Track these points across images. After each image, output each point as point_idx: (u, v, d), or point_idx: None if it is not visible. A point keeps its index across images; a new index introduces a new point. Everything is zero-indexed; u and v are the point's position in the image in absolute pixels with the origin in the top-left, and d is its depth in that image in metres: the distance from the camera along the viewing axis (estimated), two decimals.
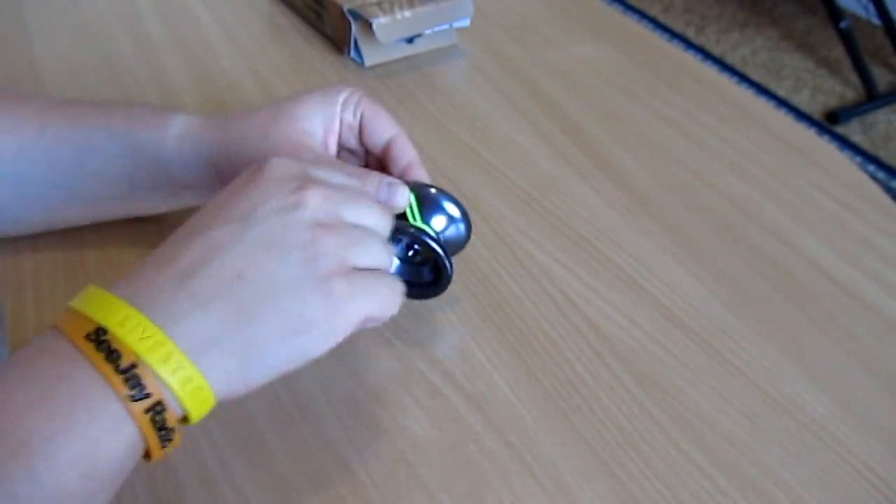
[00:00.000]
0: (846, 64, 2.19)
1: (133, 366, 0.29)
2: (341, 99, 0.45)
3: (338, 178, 0.36)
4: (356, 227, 0.35)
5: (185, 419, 0.31)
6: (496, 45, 0.74)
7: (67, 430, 0.28)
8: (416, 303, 0.48)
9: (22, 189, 0.45)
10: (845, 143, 1.97)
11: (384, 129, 0.46)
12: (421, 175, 0.45)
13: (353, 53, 0.70)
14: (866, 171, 1.88)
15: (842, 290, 0.51)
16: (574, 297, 0.49)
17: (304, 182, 0.34)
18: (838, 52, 2.26)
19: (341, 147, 0.47)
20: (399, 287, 0.36)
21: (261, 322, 0.31)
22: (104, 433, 0.28)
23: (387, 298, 0.35)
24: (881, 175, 1.88)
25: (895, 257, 0.53)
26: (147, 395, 0.29)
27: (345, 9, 0.67)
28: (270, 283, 0.31)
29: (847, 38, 2.07)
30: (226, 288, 0.31)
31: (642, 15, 2.47)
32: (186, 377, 0.30)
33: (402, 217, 0.40)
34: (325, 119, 0.45)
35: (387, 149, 0.46)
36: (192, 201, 0.48)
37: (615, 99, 0.67)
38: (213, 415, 0.41)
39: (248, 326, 0.31)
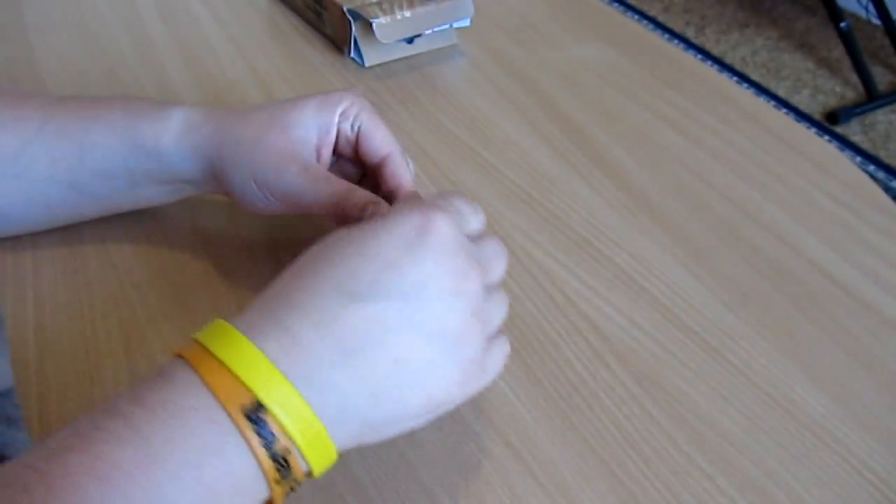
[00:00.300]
0: (846, 64, 2.19)
1: (287, 452, 0.28)
2: (340, 109, 0.44)
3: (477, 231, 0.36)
4: (493, 303, 0.34)
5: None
6: (496, 45, 0.74)
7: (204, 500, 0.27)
8: None
9: (23, 186, 0.45)
10: (845, 143, 1.97)
11: (380, 146, 0.45)
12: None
13: (353, 53, 0.70)
14: (866, 171, 1.88)
15: (842, 290, 0.51)
16: (574, 297, 0.49)
17: (467, 261, 0.32)
18: (838, 52, 2.26)
19: (338, 156, 0.47)
20: (507, 348, 0.36)
21: (405, 405, 0.31)
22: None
23: (503, 359, 0.36)
24: (881, 175, 1.88)
25: (895, 257, 0.53)
26: (292, 479, 0.28)
27: (345, 9, 0.67)
28: (423, 371, 0.31)
29: (847, 38, 2.07)
30: (383, 373, 0.30)
31: (642, 15, 2.47)
32: (327, 457, 0.29)
33: None
34: (321, 129, 0.44)
35: (381, 165, 0.45)
36: (193, 193, 0.48)
37: (615, 99, 0.67)
38: None
39: (393, 408, 0.31)
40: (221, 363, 0.28)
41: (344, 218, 0.41)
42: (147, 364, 0.43)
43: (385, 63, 0.70)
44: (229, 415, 0.27)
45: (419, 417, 0.32)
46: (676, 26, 2.42)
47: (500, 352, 0.35)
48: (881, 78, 2.17)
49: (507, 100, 0.66)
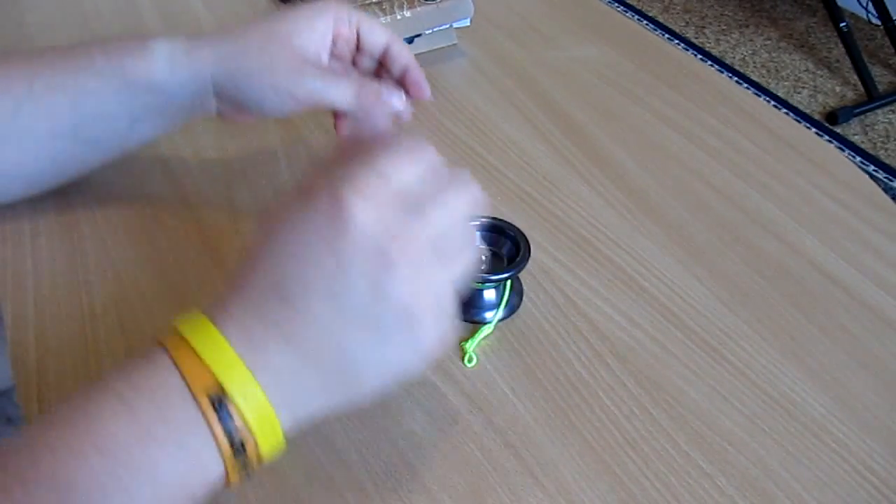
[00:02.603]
0: (846, 64, 2.19)
1: (243, 443, 0.30)
2: (332, 15, 0.48)
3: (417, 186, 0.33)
4: (442, 251, 0.32)
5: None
6: (496, 45, 0.74)
7: (172, 487, 0.30)
8: None
9: (27, 145, 0.46)
10: (845, 143, 1.97)
11: (380, 35, 0.50)
12: (417, 74, 0.51)
13: None
14: (866, 171, 1.88)
15: (842, 290, 0.51)
16: (574, 297, 0.49)
17: (389, 235, 0.31)
18: (838, 52, 2.26)
19: (333, 57, 0.49)
20: (475, 250, 0.35)
21: (358, 385, 0.33)
22: (199, 482, 0.30)
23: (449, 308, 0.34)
24: (881, 175, 1.88)
25: (895, 257, 0.53)
26: (247, 464, 0.31)
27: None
28: (370, 356, 0.32)
29: (847, 38, 2.07)
30: (333, 362, 0.32)
31: (642, 15, 2.47)
32: (278, 445, 0.32)
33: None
34: (318, 36, 0.47)
35: (385, 52, 0.50)
36: (191, 120, 0.50)
37: (615, 99, 0.67)
38: None
39: (343, 391, 0.33)
40: (196, 355, 0.30)
41: (363, 111, 0.46)
42: None
43: None
44: (194, 396, 0.30)
45: (376, 393, 0.33)
46: (676, 26, 2.41)
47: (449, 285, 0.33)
48: (881, 78, 2.17)
49: (507, 100, 0.66)
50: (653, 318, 0.48)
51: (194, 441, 0.30)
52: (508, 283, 0.47)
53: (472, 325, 0.47)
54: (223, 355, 0.30)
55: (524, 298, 0.48)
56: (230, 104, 0.48)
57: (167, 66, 0.45)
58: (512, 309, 0.47)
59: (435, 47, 0.72)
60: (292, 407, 0.32)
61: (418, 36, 0.70)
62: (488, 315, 0.46)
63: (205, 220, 0.53)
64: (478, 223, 0.48)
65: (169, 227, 0.52)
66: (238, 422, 0.30)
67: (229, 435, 0.30)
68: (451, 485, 0.39)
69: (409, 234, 0.31)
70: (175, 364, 0.30)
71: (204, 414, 0.29)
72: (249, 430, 0.30)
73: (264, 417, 0.30)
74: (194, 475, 0.30)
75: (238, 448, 0.30)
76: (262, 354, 0.31)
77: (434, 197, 0.33)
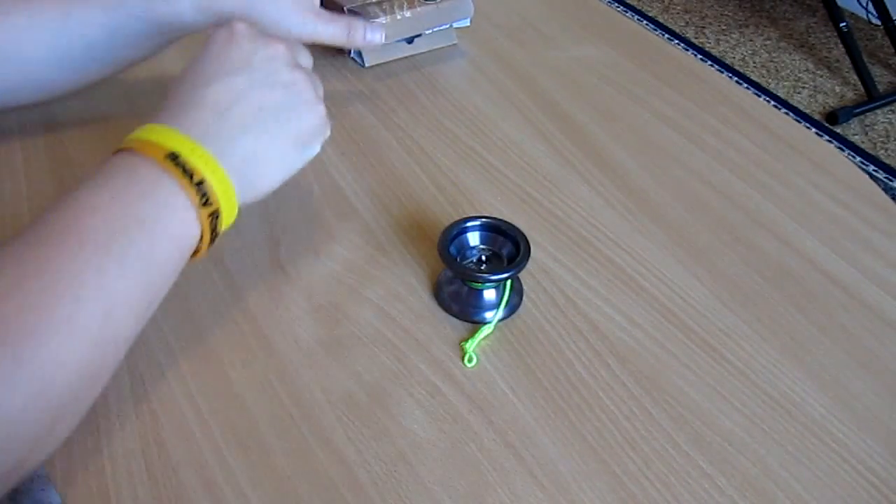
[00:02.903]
0: (846, 64, 2.19)
1: (202, 182, 0.38)
2: None
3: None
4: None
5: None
6: (496, 45, 0.74)
7: (158, 234, 0.37)
8: (415, 303, 0.48)
9: (65, 65, 0.53)
10: (845, 143, 1.97)
11: None
12: None
13: (353, 53, 0.70)
14: (866, 171, 1.88)
15: (842, 290, 0.51)
16: (574, 297, 0.49)
17: (267, 39, 0.45)
18: (838, 52, 2.26)
19: None
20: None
21: (283, 137, 0.43)
22: (179, 233, 0.38)
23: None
24: (881, 175, 1.88)
25: (895, 257, 0.53)
26: (211, 204, 0.39)
27: (346, 8, 0.67)
28: (282, 108, 0.43)
29: (847, 38, 2.07)
30: (253, 117, 0.41)
31: (642, 15, 2.47)
32: (229, 193, 0.40)
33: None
34: None
35: None
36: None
37: (615, 99, 0.67)
38: (213, 415, 0.41)
39: (274, 142, 0.42)
40: (145, 140, 0.39)
41: (350, 46, 0.58)
42: (147, 363, 0.43)
43: (385, 63, 0.70)
44: (156, 161, 0.38)
45: (300, 148, 0.44)
46: (676, 26, 2.42)
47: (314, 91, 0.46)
48: (881, 78, 2.17)
49: (507, 100, 0.66)
50: (653, 318, 0.48)
51: (164, 193, 0.37)
52: (508, 283, 0.47)
53: (472, 325, 0.47)
54: (165, 133, 0.39)
55: (524, 298, 0.48)
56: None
57: (194, 13, 0.52)
58: (512, 309, 0.47)
59: (435, 47, 0.72)
60: (222, 149, 0.40)
61: (418, 36, 0.70)
62: (488, 315, 0.46)
63: None
64: (478, 223, 0.48)
65: None
66: (190, 167, 0.38)
67: (189, 176, 0.38)
68: (451, 485, 0.39)
69: (283, 46, 0.45)
70: (134, 151, 0.38)
71: (164, 168, 0.37)
72: (201, 173, 0.38)
73: (207, 158, 0.39)
74: (169, 235, 0.38)
75: (199, 189, 0.38)
76: (191, 126, 0.40)
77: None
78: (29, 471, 0.34)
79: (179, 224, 0.38)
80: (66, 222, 0.35)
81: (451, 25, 0.71)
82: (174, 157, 0.38)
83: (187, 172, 0.38)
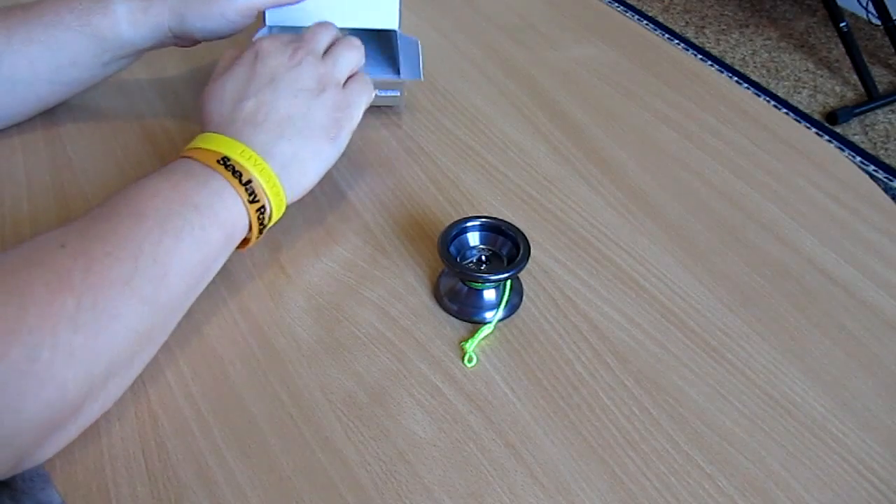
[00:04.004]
0: (846, 64, 2.19)
1: (250, 181, 0.43)
2: None
3: (297, 37, 0.51)
4: (334, 58, 0.51)
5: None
6: (496, 45, 0.74)
7: (209, 218, 0.42)
8: (415, 302, 0.48)
9: (10, 89, 0.54)
10: (845, 143, 1.97)
11: None
12: None
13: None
14: (866, 171, 1.88)
15: (842, 290, 0.51)
16: (574, 297, 0.49)
17: (293, 51, 0.49)
18: (838, 52, 2.26)
19: None
20: (367, 79, 0.52)
21: (315, 136, 0.47)
22: (228, 221, 0.43)
23: (365, 90, 0.51)
24: (881, 175, 1.88)
25: (895, 257, 0.53)
26: (258, 201, 0.44)
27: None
28: (307, 113, 0.47)
29: (847, 38, 2.07)
30: (284, 125, 0.46)
31: (642, 15, 2.47)
32: (277, 190, 0.45)
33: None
34: None
35: None
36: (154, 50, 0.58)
37: (615, 99, 0.67)
38: (213, 415, 0.41)
39: (308, 141, 0.47)
40: (200, 148, 0.44)
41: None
42: (148, 365, 0.43)
43: None
44: (208, 165, 0.43)
45: (331, 142, 0.48)
46: (676, 26, 2.41)
47: (364, 87, 0.51)
48: (881, 78, 2.17)
49: (507, 100, 0.66)
50: (653, 318, 0.48)
51: (217, 186, 0.42)
52: (508, 283, 0.47)
53: (472, 325, 0.47)
54: (216, 141, 0.45)
55: (524, 298, 0.48)
56: (185, 39, 0.57)
57: (129, 26, 0.54)
58: (512, 309, 0.47)
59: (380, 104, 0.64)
60: (265, 155, 0.45)
61: None
62: (488, 315, 0.46)
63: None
64: (478, 223, 0.48)
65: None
66: (240, 168, 0.43)
67: (238, 176, 0.43)
68: (451, 485, 0.39)
69: (298, 47, 0.50)
70: (190, 158, 0.44)
71: (216, 170, 0.43)
72: (249, 173, 0.43)
73: (256, 161, 0.44)
74: (223, 224, 0.42)
75: (247, 187, 0.43)
76: (235, 135, 0.45)
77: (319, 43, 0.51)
78: (75, 429, 0.38)
79: (228, 213, 0.43)
80: (127, 203, 0.40)
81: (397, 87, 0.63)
82: (225, 161, 0.43)
83: (236, 173, 0.43)
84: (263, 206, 0.44)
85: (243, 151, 0.44)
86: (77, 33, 0.53)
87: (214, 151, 0.44)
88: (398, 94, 0.63)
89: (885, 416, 0.43)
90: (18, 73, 0.53)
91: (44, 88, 0.56)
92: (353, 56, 0.52)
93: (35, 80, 0.54)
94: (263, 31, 0.60)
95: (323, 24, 0.53)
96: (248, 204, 0.43)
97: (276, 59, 0.49)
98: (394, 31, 0.59)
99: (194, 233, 0.41)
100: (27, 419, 0.34)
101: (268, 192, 0.44)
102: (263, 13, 0.60)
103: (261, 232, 0.45)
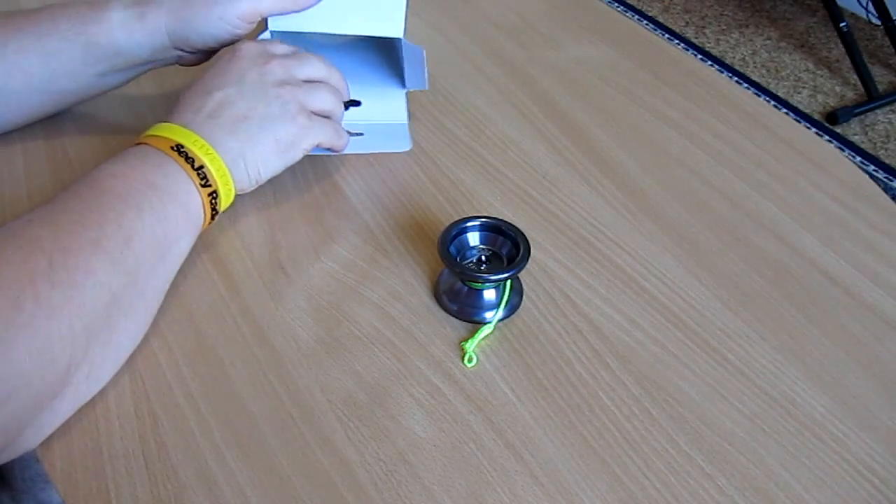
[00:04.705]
0: (846, 64, 2.19)
1: (202, 167, 0.45)
2: None
3: (283, 50, 0.53)
4: (309, 81, 0.52)
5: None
6: (496, 45, 0.74)
7: (168, 196, 0.44)
8: (415, 302, 0.48)
9: (5, 99, 0.54)
10: (845, 143, 1.97)
11: None
12: None
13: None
14: (866, 171, 1.88)
15: (842, 290, 0.51)
16: (574, 297, 0.49)
17: (268, 58, 0.51)
18: (838, 52, 2.26)
19: None
20: (343, 132, 0.53)
21: (264, 143, 0.49)
22: (185, 200, 0.45)
23: (333, 134, 0.52)
24: (881, 175, 1.88)
25: (895, 257, 0.53)
26: (210, 186, 0.46)
27: None
28: (263, 119, 0.49)
29: (847, 38, 2.07)
30: (239, 124, 0.48)
31: (642, 15, 2.47)
32: (227, 179, 0.47)
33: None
34: None
35: None
36: (153, 69, 0.57)
37: (615, 99, 0.67)
38: (213, 415, 0.41)
39: (257, 146, 0.48)
40: (156, 136, 0.46)
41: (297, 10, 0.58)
42: (147, 363, 0.43)
43: None
44: (163, 151, 0.45)
45: (278, 154, 0.49)
46: (676, 26, 2.41)
47: (329, 124, 0.52)
48: (881, 78, 2.17)
49: (507, 100, 0.66)
50: (653, 318, 0.48)
51: (171, 170, 0.44)
52: (508, 283, 0.47)
53: (472, 325, 0.47)
54: (172, 130, 0.46)
55: (524, 298, 0.48)
56: (188, 48, 0.55)
57: (124, 34, 0.53)
58: (512, 309, 0.47)
59: (386, 151, 0.61)
60: (216, 145, 0.47)
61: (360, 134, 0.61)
62: (488, 315, 0.46)
63: None
64: (478, 223, 0.48)
65: None
66: (192, 154, 0.45)
67: (191, 162, 0.45)
68: (451, 485, 0.39)
69: (279, 55, 0.52)
70: (146, 144, 0.46)
71: (170, 156, 0.45)
72: (201, 160, 0.45)
73: (207, 150, 0.46)
74: (179, 196, 0.44)
75: (199, 172, 0.45)
76: (191, 125, 0.47)
77: (300, 59, 0.53)
78: (66, 406, 0.39)
79: (185, 194, 0.45)
80: (87, 184, 0.42)
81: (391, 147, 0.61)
82: (179, 147, 0.45)
83: (189, 159, 0.45)
84: (215, 192, 0.46)
85: (196, 140, 0.46)
86: (71, 42, 0.53)
87: (168, 139, 0.46)
88: (407, 147, 0.60)
89: (885, 416, 0.43)
90: (12, 83, 0.53)
91: (38, 98, 0.55)
92: (329, 97, 0.52)
93: (29, 90, 0.54)
94: (265, 36, 0.59)
95: (319, 58, 0.54)
96: (200, 188, 0.45)
97: (252, 61, 0.50)
98: (398, 40, 0.59)
99: (154, 207, 0.43)
100: (19, 373, 0.35)
101: (218, 180, 0.46)
102: (265, 19, 0.59)
103: (213, 217, 0.47)
